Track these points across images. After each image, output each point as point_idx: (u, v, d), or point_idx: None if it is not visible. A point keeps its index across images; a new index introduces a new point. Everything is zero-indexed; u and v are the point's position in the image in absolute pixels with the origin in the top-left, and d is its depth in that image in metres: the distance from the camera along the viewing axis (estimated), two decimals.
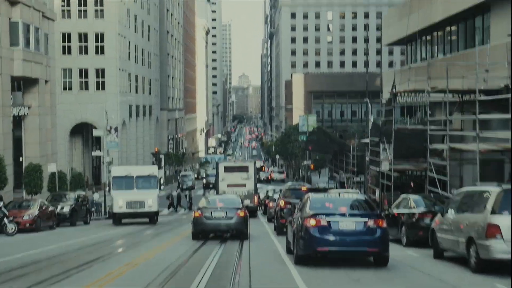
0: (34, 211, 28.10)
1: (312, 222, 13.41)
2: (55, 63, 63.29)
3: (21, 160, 42.13)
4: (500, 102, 23.15)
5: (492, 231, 11.42)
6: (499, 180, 25.74)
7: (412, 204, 18.43)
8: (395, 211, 19.37)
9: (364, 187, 36.52)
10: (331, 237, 13.19)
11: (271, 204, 34.44)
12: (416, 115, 34.31)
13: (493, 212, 11.73)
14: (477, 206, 12.63)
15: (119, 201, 31.65)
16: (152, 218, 33.14)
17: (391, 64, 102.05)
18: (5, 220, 25.05)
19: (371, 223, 13.32)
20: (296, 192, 26.23)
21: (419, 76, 28.75)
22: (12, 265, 15.23)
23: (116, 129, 54.36)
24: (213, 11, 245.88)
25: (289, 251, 16.20)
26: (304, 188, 27.55)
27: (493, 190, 12.40)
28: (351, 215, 13.76)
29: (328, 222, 13.34)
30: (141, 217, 32.95)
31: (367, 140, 33.58)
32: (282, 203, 25.03)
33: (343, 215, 13.70)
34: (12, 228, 25.01)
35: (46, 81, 44.59)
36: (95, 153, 58.34)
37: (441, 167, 28.29)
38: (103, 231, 29.25)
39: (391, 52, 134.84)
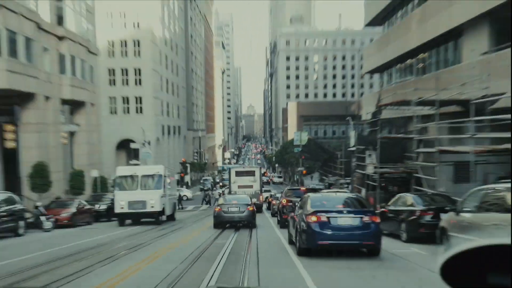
0: (71, 209, 25.04)
1: (314, 218, 11.65)
2: (101, 91, 61.15)
3: (72, 168, 38.88)
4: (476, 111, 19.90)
5: None
6: (467, 181, 22.20)
7: (409, 202, 14.79)
8: (394, 208, 15.57)
9: (350, 187, 32.76)
10: (331, 232, 11.49)
11: (274, 202, 31.20)
12: (393, 128, 30.86)
13: None
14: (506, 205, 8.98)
15: (121, 201, 24.00)
16: (155, 218, 24.77)
17: (366, 92, 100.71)
18: (42, 218, 21.66)
19: (366, 219, 11.56)
20: (296, 192, 22.98)
21: (400, 90, 25.03)
22: (58, 254, 13.50)
23: (149, 143, 51.07)
24: (228, 57, 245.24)
25: (291, 242, 14.34)
26: (303, 189, 24.18)
27: None
28: (349, 212, 11.96)
29: (328, 218, 11.60)
30: (144, 217, 24.80)
31: (353, 148, 29.95)
32: (284, 201, 21.85)
33: (341, 212, 11.92)
34: (48, 225, 21.67)
35: (92, 104, 41.43)
36: (133, 162, 56.05)
37: (414, 171, 25.10)
38: (137, 225, 24.80)
39: (362, 86, 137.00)
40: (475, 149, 16.64)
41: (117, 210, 24.32)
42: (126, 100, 65.67)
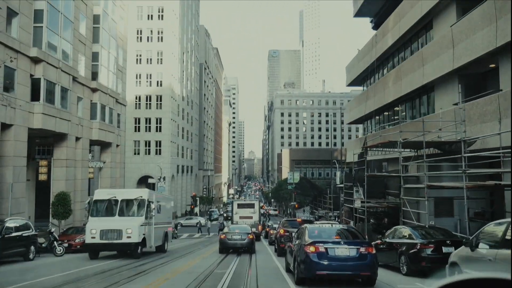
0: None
1: (312, 248, 9.74)
2: (128, 136, 59.47)
3: None
4: (450, 152, 18.01)
5: None
6: (450, 215, 19.95)
7: (406, 234, 12.21)
8: (392, 240, 12.85)
9: (339, 220, 30.26)
10: (329, 262, 9.53)
11: (271, 231, 28.46)
12: (374, 169, 28.82)
13: None
14: None
15: (92, 229, 16.40)
16: (132, 250, 16.73)
17: (345, 141, 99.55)
18: (55, 243, 18.96)
19: (363, 250, 9.65)
20: (292, 223, 20.61)
21: (383, 134, 23.08)
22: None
23: (164, 178, 48.70)
24: (233, 112, 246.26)
25: (288, 270, 12.43)
26: (299, 220, 21.76)
27: None
28: (346, 243, 9.92)
29: (326, 249, 9.69)
30: (118, 249, 17.35)
31: (341, 185, 27.73)
32: (281, 231, 19.30)
33: (338, 243, 9.91)
34: (60, 250, 18.85)
35: (117, 145, 39.56)
36: None
37: (397, 205, 22.94)
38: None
39: (342, 137, 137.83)
40: (467, 184, 14.39)
41: (88, 240, 16.64)
42: (147, 143, 63.95)
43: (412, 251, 11.20)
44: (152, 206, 17.70)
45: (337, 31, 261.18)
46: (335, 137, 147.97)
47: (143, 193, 18.03)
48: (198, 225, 45.11)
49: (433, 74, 22.66)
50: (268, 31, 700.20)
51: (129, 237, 16.41)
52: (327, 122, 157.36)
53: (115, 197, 17.49)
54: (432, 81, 23.24)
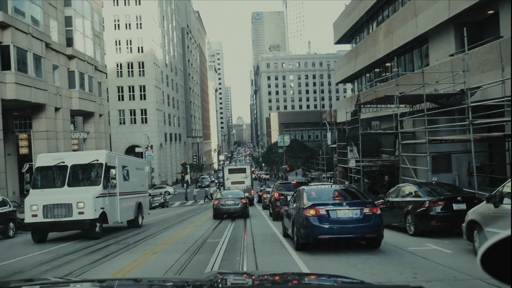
0: None
1: (312, 212, 8.87)
2: (112, 105, 57.72)
3: None
4: (447, 106, 17.20)
5: None
6: (448, 170, 19.40)
7: (411, 192, 11.20)
8: (397, 199, 11.90)
9: (333, 180, 29.74)
10: (331, 226, 8.73)
11: (265, 195, 27.79)
12: (367, 127, 28.05)
13: None
14: None
15: (33, 205, 12.71)
16: (86, 230, 13.08)
17: (333, 102, 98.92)
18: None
19: (367, 210, 8.82)
20: (287, 186, 19.75)
21: (378, 89, 22.11)
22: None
23: (151, 147, 47.37)
24: (219, 78, 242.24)
25: (285, 235, 11.63)
26: (293, 182, 21.04)
27: None
28: (348, 204, 9.05)
29: (327, 211, 8.84)
30: (68, 229, 13.48)
31: (334, 145, 26.96)
32: (276, 194, 18.42)
33: (340, 204, 9.06)
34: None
35: (100, 115, 37.94)
36: None
37: (395, 162, 22.37)
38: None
39: (330, 98, 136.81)
40: (475, 136, 13.54)
41: (28, 219, 12.79)
42: (133, 112, 62.30)
43: (420, 210, 10.35)
44: (113, 172, 13.80)
45: None
46: (323, 99, 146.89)
47: (100, 155, 13.95)
48: (164, 196, 42.08)
49: (427, 25, 21.53)
50: None
51: (81, 212, 12.57)
52: (314, 84, 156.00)
53: (64, 162, 13.52)
54: (426, 33, 22.14)
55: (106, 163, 13.70)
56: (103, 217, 13.41)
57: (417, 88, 17.16)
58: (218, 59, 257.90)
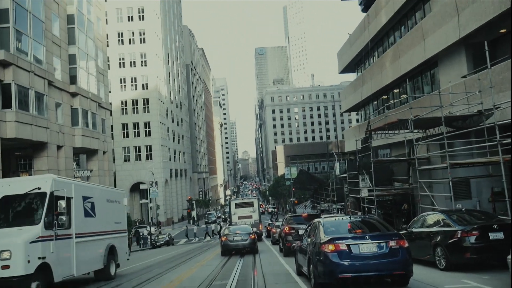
0: None
1: (331, 247, 7.85)
2: (116, 143, 57.45)
3: None
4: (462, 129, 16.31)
5: None
6: (467, 197, 18.23)
7: (437, 221, 9.95)
8: (421, 229, 10.64)
9: (344, 212, 28.43)
10: (353, 262, 7.62)
11: (274, 230, 26.49)
12: (378, 153, 27.08)
13: None
14: None
15: None
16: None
17: (339, 133, 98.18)
18: None
19: (393, 243, 7.77)
20: (298, 219, 18.55)
21: (391, 114, 21.33)
22: None
23: (156, 183, 46.42)
24: (224, 113, 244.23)
25: (300, 273, 10.67)
26: (304, 215, 19.81)
27: None
28: (371, 237, 7.95)
29: (348, 246, 7.80)
30: None
31: (345, 175, 25.89)
32: (286, 228, 17.23)
33: (362, 237, 7.97)
34: None
35: (104, 152, 37.42)
36: (142, 201, 51.59)
37: (409, 191, 21.27)
38: (140, 261, 20.46)
39: (335, 129, 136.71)
40: (505, 157, 12.45)
41: None
42: (137, 149, 61.96)
43: (451, 241, 9.20)
44: (62, 204, 9.89)
45: (323, 23, 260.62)
46: (328, 130, 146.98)
47: (43, 182, 10.10)
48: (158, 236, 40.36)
49: (437, 47, 20.95)
50: (253, 29, 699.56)
51: (5, 266, 8.52)
52: (318, 116, 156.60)
53: None
54: (435, 55, 21.53)
55: (51, 192, 9.88)
56: (44, 271, 9.21)
57: (433, 111, 16.31)
58: (223, 94, 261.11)
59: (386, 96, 30.69)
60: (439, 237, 9.68)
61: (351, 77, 40.21)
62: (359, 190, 21.74)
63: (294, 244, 14.45)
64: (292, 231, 16.48)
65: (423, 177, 17.98)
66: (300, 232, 15.88)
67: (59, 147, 29.20)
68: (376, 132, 19.72)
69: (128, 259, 15.97)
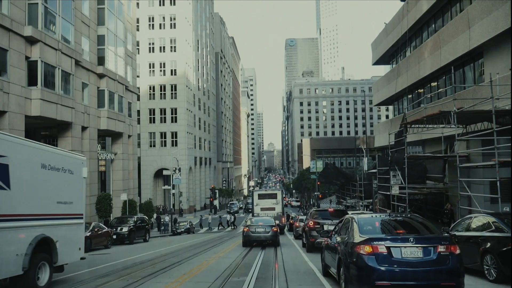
0: (85, 233, 19.31)
1: (367, 249, 6.72)
2: (142, 128, 57.55)
3: (109, 192, 34.20)
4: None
5: None
6: (507, 200, 16.72)
7: (487, 225, 8.70)
8: (467, 234, 9.33)
9: (372, 209, 27.14)
10: (393, 268, 6.48)
11: (297, 224, 25.53)
12: (410, 149, 25.55)
13: None
14: None
15: None
16: None
17: (371, 125, 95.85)
18: None
19: (442, 249, 6.58)
20: (323, 213, 17.47)
21: (429, 107, 19.85)
22: None
23: (179, 170, 46.15)
24: (251, 104, 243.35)
25: (326, 273, 9.60)
26: (331, 210, 18.76)
27: None
28: (416, 239, 6.72)
29: (388, 248, 6.64)
30: None
31: (374, 170, 24.57)
32: (311, 223, 16.18)
33: (405, 239, 6.74)
34: None
35: (129, 136, 37.26)
36: (164, 187, 51.69)
37: (443, 190, 19.91)
38: (157, 248, 19.92)
39: (364, 125, 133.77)
40: None
41: None
42: (163, 135, 61.95)
43: (505, 249, 7.97)
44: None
45: (356, 16, 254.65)
46: (356, 125, 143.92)
47: None
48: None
49: (484, 36, 19.26)
50: (284, 20, 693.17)
51: None
52: (347, 110, 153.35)
53: None
54: (481, 45, 19.84)
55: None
56: None
57: (479, 103, 14.85)
58: (251, 84, 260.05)
59: (422, 90, 29.00)
60: (490, 243, 8.44)
61: (382, 71, 38.47)
62: (390, 187, 20.48)
63: (320, 240, 13.48)
64: (317, 226, 15.50)
65: (463, 176, 16.58)
66: (325, 227, 14.88)
67: (84, 128, 29.06)
68: (412, 125, 18.33)
69: (83, 258, 10.57)
